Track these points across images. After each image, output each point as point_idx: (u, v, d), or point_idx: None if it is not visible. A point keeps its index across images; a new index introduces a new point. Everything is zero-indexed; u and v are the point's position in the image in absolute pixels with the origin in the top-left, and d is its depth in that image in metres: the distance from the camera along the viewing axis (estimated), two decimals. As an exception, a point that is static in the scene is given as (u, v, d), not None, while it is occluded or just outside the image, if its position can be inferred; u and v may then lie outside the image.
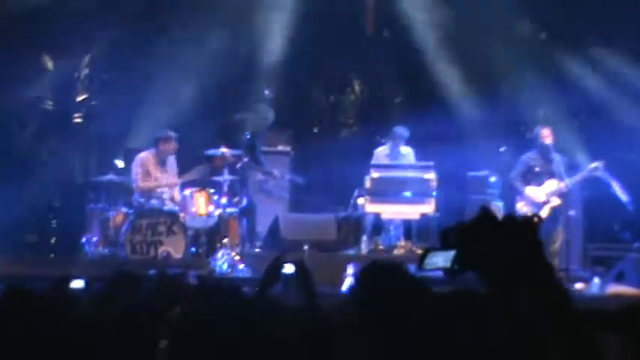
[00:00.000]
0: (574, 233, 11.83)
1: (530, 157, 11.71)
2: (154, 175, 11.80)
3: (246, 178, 12.24)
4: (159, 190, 11.79)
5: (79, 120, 14.40)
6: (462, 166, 13.06)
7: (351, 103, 15.34)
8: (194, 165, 12.49)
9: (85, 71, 14.42)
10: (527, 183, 11.62)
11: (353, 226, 12.57)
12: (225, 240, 11.34)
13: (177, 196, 11.82)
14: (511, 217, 2.03)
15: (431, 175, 11.95)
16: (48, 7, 13.48)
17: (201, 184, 12.00)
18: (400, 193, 11.95)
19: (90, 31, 13.86)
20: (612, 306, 4.41)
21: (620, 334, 3.20)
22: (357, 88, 15.30)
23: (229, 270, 10.94)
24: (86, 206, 11.98)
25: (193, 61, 13.77)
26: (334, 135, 15.02)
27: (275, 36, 14.05)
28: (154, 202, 11.62)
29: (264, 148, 12.82)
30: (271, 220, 12.38)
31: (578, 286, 10.48)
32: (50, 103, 14.34)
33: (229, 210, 11.62)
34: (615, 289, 10.12)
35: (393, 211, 12.11)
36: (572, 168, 11.79)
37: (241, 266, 11.03)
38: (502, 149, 13.82)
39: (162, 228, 11.30)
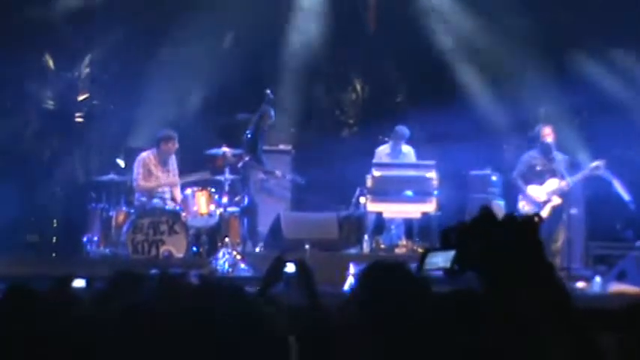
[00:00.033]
0: (576, 232, 11.83)
1: (531, 155, 11.70)
2: (156, 174, 11.81)
3: (248, 178, 12.23)
4: (160, 189, 11.80)
5: (80, 119, 14.41)
6: (464, 165, 13.06)
7: (353, 102, 15.34)
8: (195, 165, 12.49)
9: (86, 71, 14.43)
10: (529, 182, 11.61)
11: (354, 225, 12.57)
12: (227, 239, 11.33)
13: (178, 195, 11.83)
14: (511, 216, 2.03)
15: (432, 174, 11.95)
16: (49, 6, 13.50)
17: (203, 183, 12.01)
18: (401, 192, 11.95)
19: (91, 30, 13.87)
20: (614, 305, 4.42)
21: (622, 333, 3.19)
22: (358, 86, 15.30)
23: (231, 269, 10.94)
24: (87, 206, 11.98)
25: (194, 60, 13.77)
26: (335, 134, 15.02)
27: (276, 35, 14.06)
28: (155, 201, 11.63)
29: (266, 147, 12.81)
30: (273, 219, 12.37)
31: (580, 284, 10.48)
32: (51, 102, 14.35)
33: (230, 209, 11.63)
34: (617, 287, 10.11)
35: (394, 210, 12.11)
36: (574, 166, 11.78)
37: (243, 265, 11.02)
38: (504, 147, 13.83)
39: (163, 227, 11.30)
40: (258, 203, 12.72)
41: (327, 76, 15.08)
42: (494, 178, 12.82)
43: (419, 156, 12.55)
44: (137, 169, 11.78)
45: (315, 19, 14.34)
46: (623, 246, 11.87)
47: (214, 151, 11.85)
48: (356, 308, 2.93)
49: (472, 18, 14.12)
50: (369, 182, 12.03)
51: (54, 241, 13.28)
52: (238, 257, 11.11)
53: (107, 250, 11.52)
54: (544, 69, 13.70)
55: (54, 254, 12.80)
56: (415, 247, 11.74)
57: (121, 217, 11.50)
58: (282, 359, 2.96)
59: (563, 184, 11.46)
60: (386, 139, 12.99)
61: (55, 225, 13.45)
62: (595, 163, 11.45)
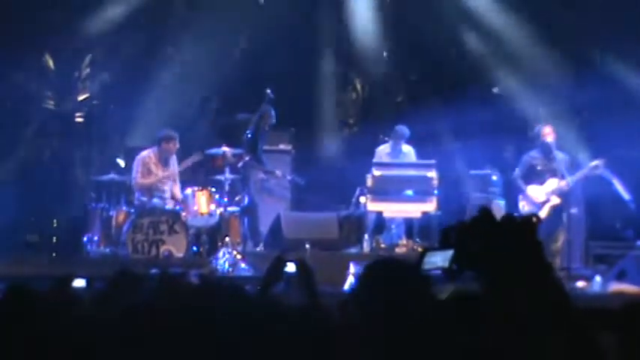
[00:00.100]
0: (576, 231, 11.83)
1: (532, 155, 11.70)
2: (156, 173, 11.80)
3: (248, 177, 12.24)
4: (160, 185, 11.76)
5: (80, 119, 14.41)
6: (464, 165, 13.06)
7: (353, 102, 15.33)
8: (195, 165, 12.47)
9: (87, 70, 14.43)
10: (530, 182, 11.61)
11: (355, 225, 12.57)
12: (227, 239, 11.33)
13: (177, 192, 11.82)
14: (510, 217, 2.03)
15: (432, 174, 11.95)
16: (49, 6, 13.49)
17: (203, 183, 12.01)
18: (402, 191, 11.95)
19: (91, 30, 13.86)
20: (614, 304, 4.41)
21: (622, 332, 3.20)
22: (358, 86, 15.30)
23: (231, 269, 10.94)
24: (87, 205, 11.99)
25: (195, 60, 13.77)
26: (336, 134, 15.01)
27: (276, 35, 14.05)
28: (155, 201, 11.63)
29: (266, 147, 12.82)
30: (273, 218, 12.37)
31: (580, 284, 10.49)
32: (51, 102, 14.35)
33: (231, 209, 11.63)
34: (617, 287, 10.12)
35: (394, 210, 12.11)
36: (574, 166, 11.78)
37: (243, 265, 11.02)
38: (504, 147, 13.82)
39: (163, 227, 11.30)
40: (258, 203, 12.72)
41: (327, 75, 15.06)
42: (494, 177, 12.82)
43: (419, 155, 12.55)
44: (136, 168, 11.79)
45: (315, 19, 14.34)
46: (623, 245, 11.87)
47: (214, 150, 11.86)
48: (356, 308, 2.92)
49: (472, 18, 14.11)
50: (369, 182, 12.03)
51: (54, 241, 13.27)
52: (238, 257, 11.11)
53: (107, 250, 11.53)
54: (544, 69, 13.69)
55: (54, 254, 12.79)
56: (415, 247, 11.74)
57: (121, 217, 11.50)
58: (282, 359, 2.95)
59: (563, 183, 11.45)
60: (386, 138, 12.98)
61: (55, 225, 13.44)
62: (594, 163, 11.45)
